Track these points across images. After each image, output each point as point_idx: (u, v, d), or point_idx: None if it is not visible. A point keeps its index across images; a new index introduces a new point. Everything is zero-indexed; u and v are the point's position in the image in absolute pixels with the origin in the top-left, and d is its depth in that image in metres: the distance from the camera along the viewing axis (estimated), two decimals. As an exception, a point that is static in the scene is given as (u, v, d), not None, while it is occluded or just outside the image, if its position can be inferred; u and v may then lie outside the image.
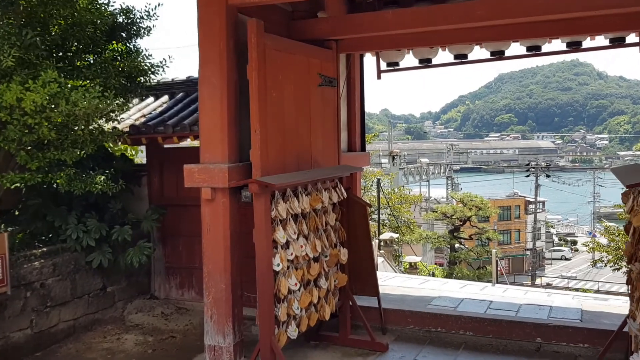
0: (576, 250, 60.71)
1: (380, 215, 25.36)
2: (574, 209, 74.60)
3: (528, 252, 48.32)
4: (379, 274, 12.99)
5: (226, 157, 6.10)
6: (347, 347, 7.26)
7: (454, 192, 34.88)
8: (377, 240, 16.13)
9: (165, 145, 9.08)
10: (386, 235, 19.51)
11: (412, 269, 21.46)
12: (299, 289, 6.11)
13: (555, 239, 64.53)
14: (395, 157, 30.02)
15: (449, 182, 42.11)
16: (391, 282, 11.14)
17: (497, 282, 12.74)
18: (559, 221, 74.84)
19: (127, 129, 7.91)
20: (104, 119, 7.01)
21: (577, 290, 27.66)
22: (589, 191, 66.38)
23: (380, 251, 17.74)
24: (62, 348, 7.57)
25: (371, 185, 25.28)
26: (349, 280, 7.34)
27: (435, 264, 35.53)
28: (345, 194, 7.02)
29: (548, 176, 50.44)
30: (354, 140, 9.48)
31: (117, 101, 6.55)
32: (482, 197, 27.38)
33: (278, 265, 5.69)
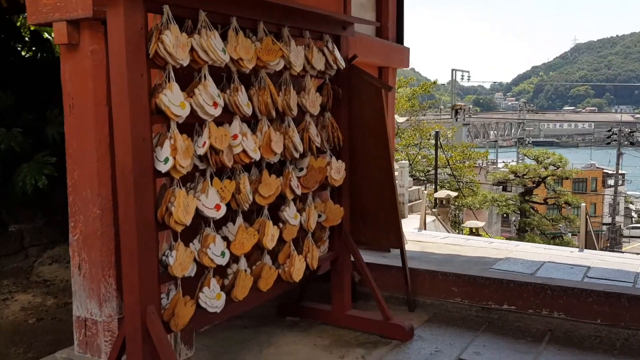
0: (657, 230, 55.38)
1: (440, 176, 22.05)
2: (659, 186, 68.45)
3: (604, 229, 43.72)
4: (425, 234, 9.91)
5: (93, -43, 3.15)
6: (344, 328, 4.30)
7: (525, 149, 30.56)
8: (426, 199, 12.95)
9: None
10: (442, 193, 16.24)
11: (474, 235, 18.12)
12: (225, 217, 3.15)
13: (635, 216, 59.25)
14: (459, 110, 26.33)
15: (519, 143, 37.78)
16: (438, 240, 8.05)
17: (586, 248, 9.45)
18: (638, 197, 68.95)
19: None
20: None
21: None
22: (676, 167, 60.26)
23: (433, 210, 14.57)
24: None
25: (428, 139, 21.80)
26: (354, 223, 4.35)
27: (502, 236, 31.66)
28: (342, 62, 3.96)
29: (632, 143, 45.28)
30: (385, 23, 6.42)
31: None
32: (561, 155, 23.37)
33: (166, 160, 2.74)
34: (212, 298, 3.09)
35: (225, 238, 3.23)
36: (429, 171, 21.85)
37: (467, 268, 5.60)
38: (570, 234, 24.27)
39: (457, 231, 19.93)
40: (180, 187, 2.82)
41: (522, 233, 21.73)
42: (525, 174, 22.05)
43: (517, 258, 6.22)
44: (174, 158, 2.73)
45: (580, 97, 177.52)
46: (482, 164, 26.98)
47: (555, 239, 22.44)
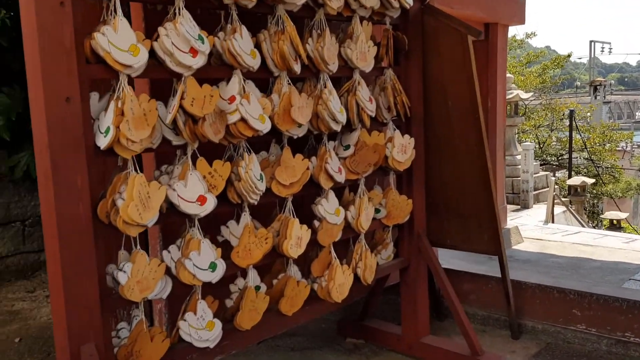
0: None
1: (575, 160, 19.76)
2: None
3: None
4: (551, 228, 8.42)
5: None
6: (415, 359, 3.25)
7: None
8: (555, 186, 11.26)
9: None
10: (576, 179, 14.24)
11: (615, 228, 15.88)
12: (228, 213, 2.23)
13: None
14: (598, 87, 23.49)
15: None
16: (564, 237, 6.63)
17: None
18: None
19: None
20: None
21: None
22: None
23: (564, 199, 12.75)
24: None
25: (561, 119, 19.48)
26: (434, 220, 3.27)
27: (651, 228, 28.03)
28: None
29: None
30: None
31: None
32: None
33: (107, 131, 1.86)
34: (201, 328, 2.19)
35: (225, 243, 2.33)
36: (562, 155, 19.59)
37: (599, 279, 4.31)
38: None
39: (595, 223, 17.71)
40: (136, 171, 1.94)
41: (675, 226, 18.92)
42: (680, 158, 19.10)
43: (670, 265, 4.77)
44: (117, 128, 1.85)
45: None
46: (626, 147, 23.92)
47: None
